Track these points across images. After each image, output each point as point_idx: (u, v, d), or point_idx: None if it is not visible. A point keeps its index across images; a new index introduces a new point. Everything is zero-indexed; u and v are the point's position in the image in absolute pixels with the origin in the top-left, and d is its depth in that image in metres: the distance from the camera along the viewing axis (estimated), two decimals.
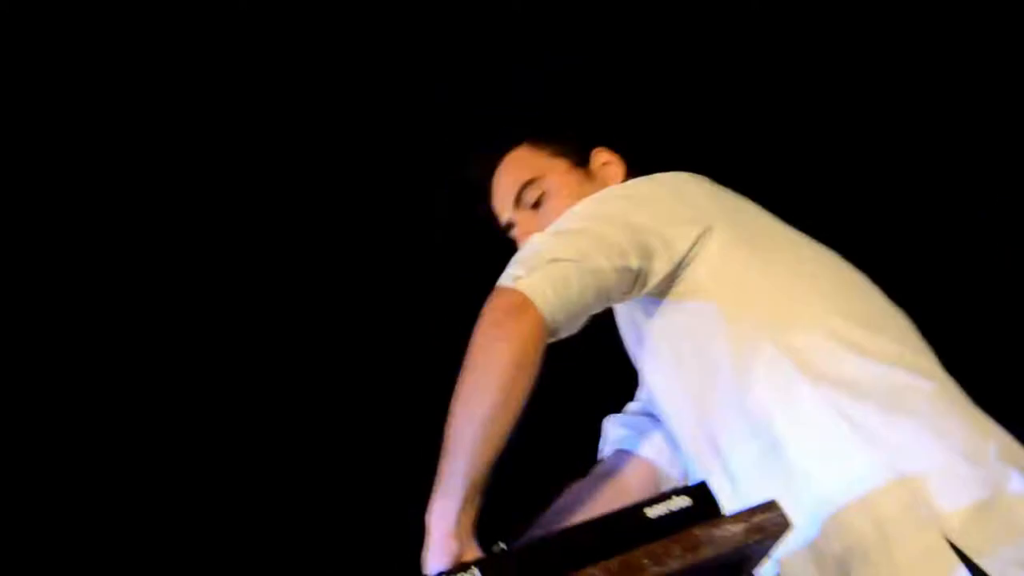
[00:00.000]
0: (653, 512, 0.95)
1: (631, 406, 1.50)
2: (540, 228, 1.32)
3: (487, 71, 3.28)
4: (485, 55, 3.24)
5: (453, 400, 1.08)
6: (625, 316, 1.35)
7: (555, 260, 1.12)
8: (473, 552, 1.02)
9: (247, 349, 3.19)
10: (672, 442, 1.37)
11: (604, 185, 1.39)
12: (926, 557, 1.06)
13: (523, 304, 1.09)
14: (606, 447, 1.47)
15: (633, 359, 1.38)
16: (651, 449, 1.41)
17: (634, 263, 1.17)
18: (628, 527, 0.95)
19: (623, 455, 1.42)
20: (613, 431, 1.46)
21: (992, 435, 1.15)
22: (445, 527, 1.02)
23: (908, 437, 1.10)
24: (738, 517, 0.95)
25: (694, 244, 1.21)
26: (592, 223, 1.19)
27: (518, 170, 1.45)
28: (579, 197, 1.30)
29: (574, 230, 1.18)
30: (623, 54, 3.16)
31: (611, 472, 1.39)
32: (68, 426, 2.89)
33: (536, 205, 1.43)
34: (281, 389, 3.23)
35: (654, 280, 1.21)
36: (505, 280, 1.13)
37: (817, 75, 3.20)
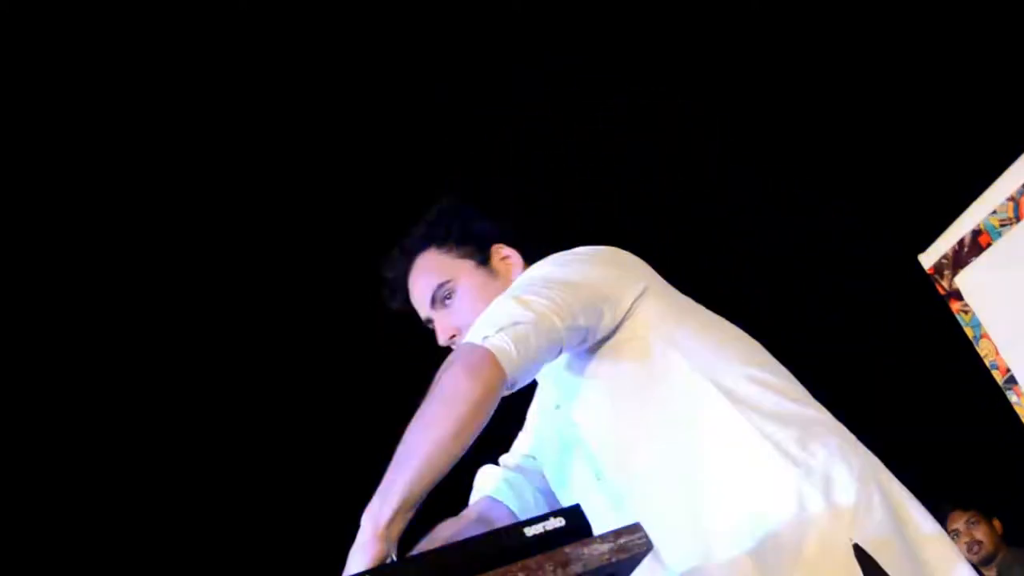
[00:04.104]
0: (530, 531, 1.05)
1: (507, 459, 1.66)
2: (455, 324, 1.53)
3: (487, 71, 3.33)
4: (485, 55, 3.29)
5: (413, 420, 1.21)
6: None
7: (516, 323, 1.28)
8: (391, 557, 1.14)
9: (240, 352, 3.28)
10: (542, 500, 1.56)
11: (507, 279, 1.55)
12: (839, 554, 1.21)
13: (491, 360, 1.25)
14: (478, 492, 1.63)
15: (549, 403, 1.52)
16: (518, 503, 1.57)
17: (583, 322, 1.34)
18: (508, 544, 1.05)
19: (493, 503, 1.58)
20: (487, 481, 1.63)
21: (877, 464, 1.34)
22: (375, 528, 1.14)
23: (823, 462, 1.28)
24: (605, 537, 1.05)
25: (634, 302, 1.40)
26: (547, 287, 1.35)
27: (429, 273, 1.59)
28: (486, 294, 1.47)
29: (532, 294, 1.33)
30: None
31: (479, 516, 1.55)
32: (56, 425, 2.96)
33: (448, 302, 1.57)
34: (273, 391, 3.32)
35: (601, 334, 1.39)
36: (474, 338, 1.28)
37: None
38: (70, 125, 2.75)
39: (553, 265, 1.44)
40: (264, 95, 3.06)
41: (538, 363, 1.31)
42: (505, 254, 1.60)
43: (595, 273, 1.40)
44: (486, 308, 1.34)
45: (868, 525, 1.22)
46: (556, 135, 3.55)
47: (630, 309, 1.39)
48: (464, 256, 1.58)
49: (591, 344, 1.40)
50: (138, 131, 2.89)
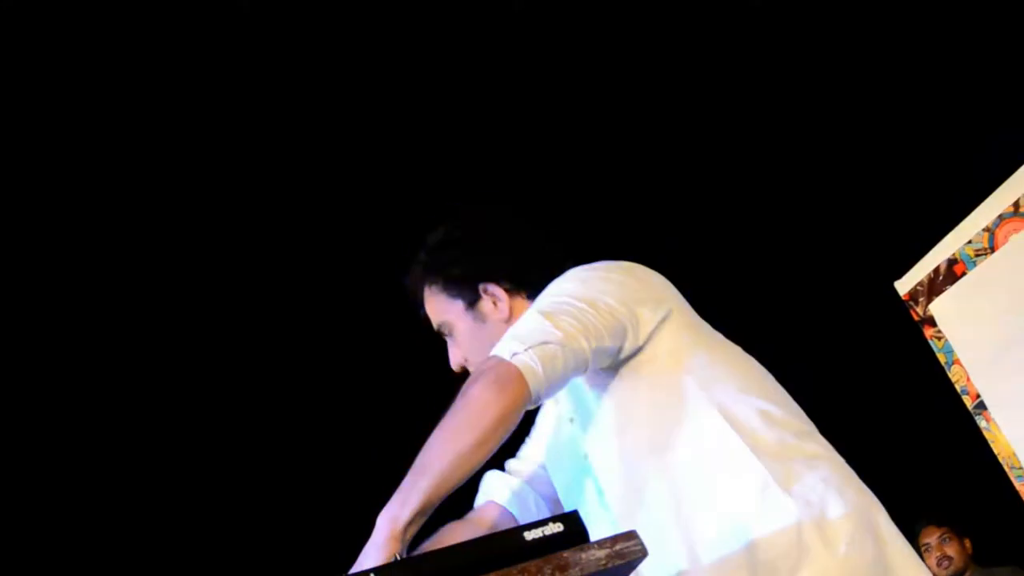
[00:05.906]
0: (530, 535, 1.08)
1: (515, 465, 1.69)
2: (462, 357, 1.59)
3: (487, 71, 3.34)
4: (486, 55, 3.29)
5: (438, 429, 1.25)
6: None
7: (545, 342, 1.30)
8: (400, 557, 1.17)
9: (258, 356, 3.27)
10: (544, 508, 1.60)
11: (495, 327, 1.55)
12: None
13: (518, 377, 1.27)
14: (483, 497, 1.67)
15: (564, 415, 1.55)
16: (521, 510, 1.62)
17: (609, 343, 1.37)
18: (508, 547, 1.08)
19: (500, 509, 1.62)
20: (492, 485, 1.66)
21: (873, 502, 1.38)
22: (392, 530, 1.17)
23: (820, 496, 1.31)
24: (602, 544, 1.08)
25: (658, 325, 1.43)
26: (575, 306, 1.37)
27: (431, 311, 1.64)
28: (476, 342, 1.53)
29: (562, 312, 1.36)
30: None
31: (483, 520, 1.60)
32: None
33: (450, 338, 1.63)
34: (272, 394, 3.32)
35: (624, 355, 1.41)
36: (503, 352, 1.31)
37: None
38: (74, 126, 2.74)
39: (579, 282, 1.44)
40: (264, 98, 3.06)
41: (563, 382, 1.34)
42: (492, 292, 1.60)
43: (621, 293, 1.42)
44: (481, 350, 1.37)
45: (858, 559, 1.25)
46: (554, 135, 3.56)
47: (653, 332, 1.41)
48: (455, 297, 1.60)
49: (615, 363, 1.42)
50: (147, 136, 2.88)
